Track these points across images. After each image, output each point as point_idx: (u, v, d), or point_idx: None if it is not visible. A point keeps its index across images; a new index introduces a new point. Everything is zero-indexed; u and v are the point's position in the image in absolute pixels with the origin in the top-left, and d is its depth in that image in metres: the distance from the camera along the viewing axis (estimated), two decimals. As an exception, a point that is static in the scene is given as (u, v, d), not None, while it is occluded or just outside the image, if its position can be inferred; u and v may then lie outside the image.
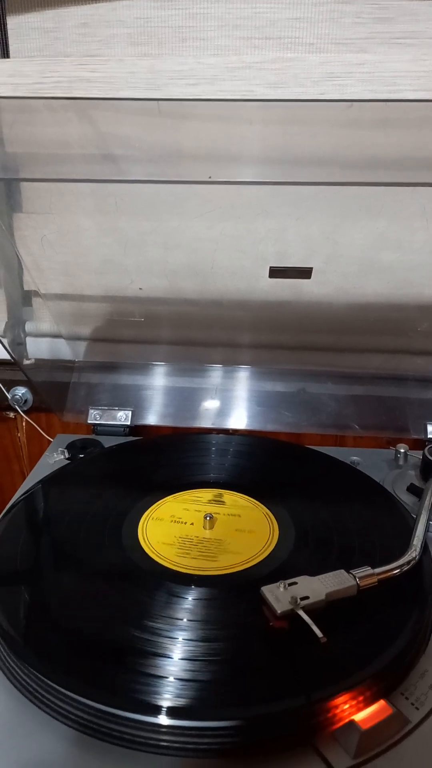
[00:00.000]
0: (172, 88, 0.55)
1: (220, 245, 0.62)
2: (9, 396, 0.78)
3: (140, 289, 0.67)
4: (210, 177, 0.54)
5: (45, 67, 0.55)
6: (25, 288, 0.74)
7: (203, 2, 0.60)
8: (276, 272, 0.62)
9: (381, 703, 0.37)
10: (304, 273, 0.62)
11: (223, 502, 0.57)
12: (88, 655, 0.40)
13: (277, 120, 0.55)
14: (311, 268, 0.62)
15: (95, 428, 0.75)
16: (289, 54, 0.60)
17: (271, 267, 0.62)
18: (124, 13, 0.62)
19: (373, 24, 0.60)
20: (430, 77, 0.53)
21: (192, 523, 0.53)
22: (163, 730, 0.35)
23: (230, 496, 0.58)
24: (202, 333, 0.72)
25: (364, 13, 0.60)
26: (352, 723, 0.35)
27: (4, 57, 0.64)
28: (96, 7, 0.62)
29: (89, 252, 0.65)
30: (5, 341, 0.74)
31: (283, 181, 0.57)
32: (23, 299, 0.75)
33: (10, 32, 0.64)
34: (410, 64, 0.53)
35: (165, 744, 0.35)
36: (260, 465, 0.65)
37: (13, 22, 0.64)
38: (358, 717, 0.36)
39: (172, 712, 0.35)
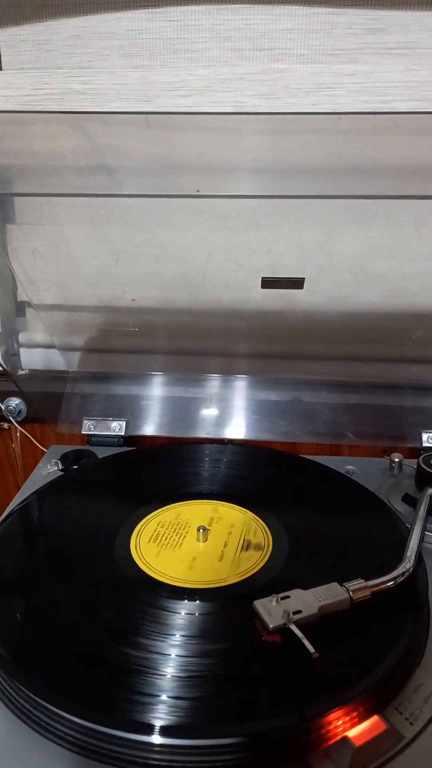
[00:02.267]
0: (163, 99, 0.55)
1: (213, 256, 0.62)
2: (2, 407, 0.78)
3: (133, 300, 0.67)
4: (198, 191, 0.54)
5: (37, 79, 0.56)
6: (18, 299, 0.74)
7: (195, 14, 0.61)
8: (268, 283, 0.62)
9: (374, 719, 0.36)
10: (296, 283, 0.62)
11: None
12: (80, 674, 0.39)
13: (268, 130, 0.55)
14: (303, 279, 0.62)
15: (89, 439, 0.74)
16: (280, 65, 0.60)
17: (263, 278, 0.62)
18: (116, 25, 0.62)
19: (365, 35, 0.60)
20: (421, 87, 0.53)
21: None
22: (155, 749, 0.34)
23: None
24: (195, 343, 0.72)
25: (356, 24, 0.60)
26: (345, 739, 0.35)
27: (-4, 69, 0.64)
28: (88, 19, 0.62)
29: (81, 263, 0.65)
30: (-2, 352, 0.74)
31: (274, 194, 0.57)
32: (16, 310, 0.75)
33: (1, 44, 0.64)
34: (401, 74, 0.54)
35: (156, 763, 0.34)
36: (255, 475, 0.64)
37: (4, 35, 0.64)
38: (352, 733, 0.35)
39: (164, 731, 0.35)
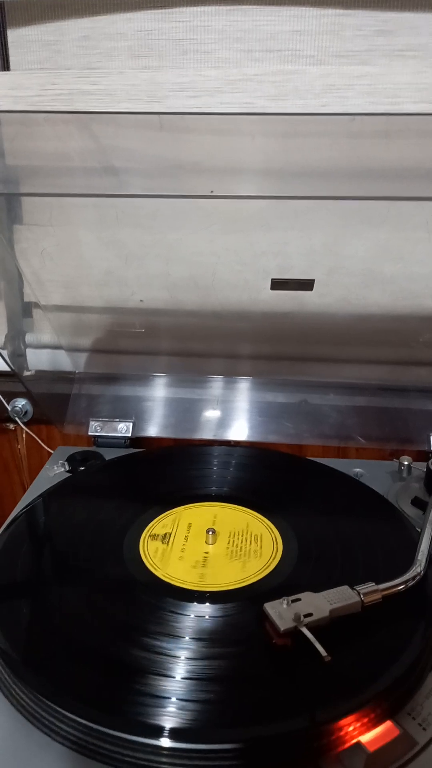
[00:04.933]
0: (172, 100, 0.55)
1: (222, 259, 0.62)
2: (9, 407, 0.78)
3: (141, 301, 0.67)
4: (212, 191, 0.54)
5: (46, 79, 0.55)
6: (26, 299, 0.74)
7: (204, 15, 0.61)
8: (277, 284, 0.62)
9: (387, 724, 0.36)
10: (306, 285, 0.61)
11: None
12: (88, 675, 0.39)
13: (278, 132, 0.55)
14: (313, 280, 0.62)
15: (96, 440, 0.74)
16: (289, 66, 0.60)
17: (272, 279, 0.61)
18: (125, 26, 0.62)
19: (374, 37, 0.60)
20: (431, 90, 0.53)
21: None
22: (164, 752, 0.34)
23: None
24: (203, 344, 0.72)
25: (365, 26, 0.60)
26: (358, 745, 0.35)
27: (5, 70, 0.64)
28: (97, 20, 0.62)
29: (90, 264, 0.64)
30: (5, 353, 0.73)
31: (284, 195, 0.57)
32: (23, 311, 0.75)
33: (10, 45, 0.64)
34: (411, 76, 0.53)
35: (165, 767, 0.34)
36: (262, 477, 0.64)
37: (13, 35, 0.64)
38: (365, 738, 0.35)
39: (173, 734, 0.34)
